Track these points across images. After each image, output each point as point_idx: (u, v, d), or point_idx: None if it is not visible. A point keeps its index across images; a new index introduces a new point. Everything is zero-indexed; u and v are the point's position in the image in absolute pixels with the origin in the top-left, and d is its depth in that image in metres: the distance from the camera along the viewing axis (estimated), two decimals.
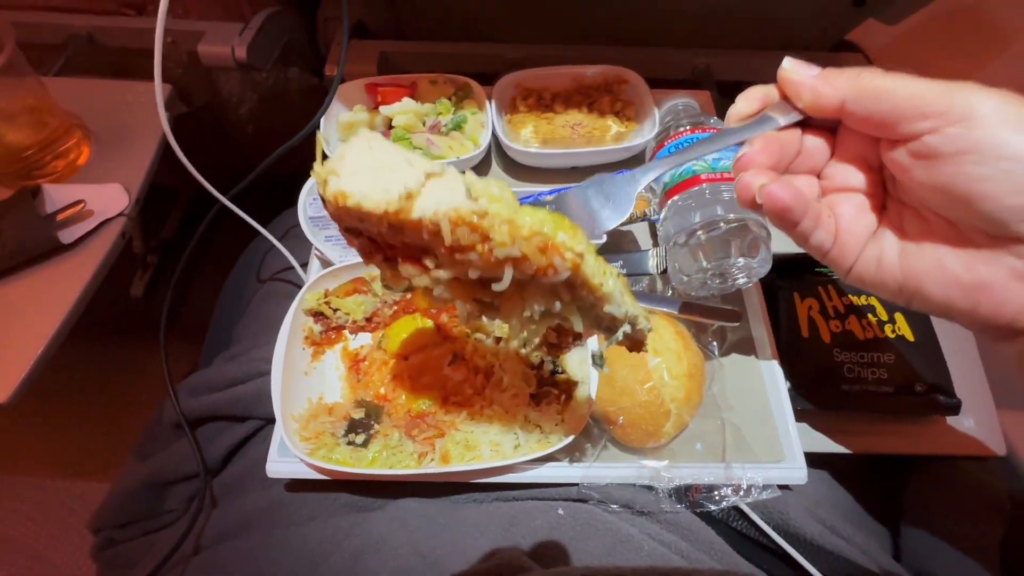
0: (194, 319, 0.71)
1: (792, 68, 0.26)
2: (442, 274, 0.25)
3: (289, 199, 0.49)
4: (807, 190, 0.28)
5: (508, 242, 0.22)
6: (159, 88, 0.38)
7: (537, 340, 0.27)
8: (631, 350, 0.29)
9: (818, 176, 0.29)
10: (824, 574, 0.37)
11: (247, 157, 0.49)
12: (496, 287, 0.23)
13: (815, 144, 0.28)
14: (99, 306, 0.50)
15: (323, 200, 0.24)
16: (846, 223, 0.28)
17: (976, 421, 0.43)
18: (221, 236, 0.66)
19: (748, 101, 0.28)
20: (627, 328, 0.26)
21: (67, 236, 0.48)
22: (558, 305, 0.25)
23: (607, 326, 0.27)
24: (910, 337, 0.44)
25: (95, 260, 0.48)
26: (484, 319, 0.28)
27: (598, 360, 0.32)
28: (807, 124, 0.28)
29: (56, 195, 0.49)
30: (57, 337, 0.45)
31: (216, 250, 0.75)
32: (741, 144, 0.28)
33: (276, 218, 0.61)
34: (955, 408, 0.42)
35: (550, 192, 0.51)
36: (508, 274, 0.23)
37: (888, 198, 0.28)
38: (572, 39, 0.66)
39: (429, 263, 0.25)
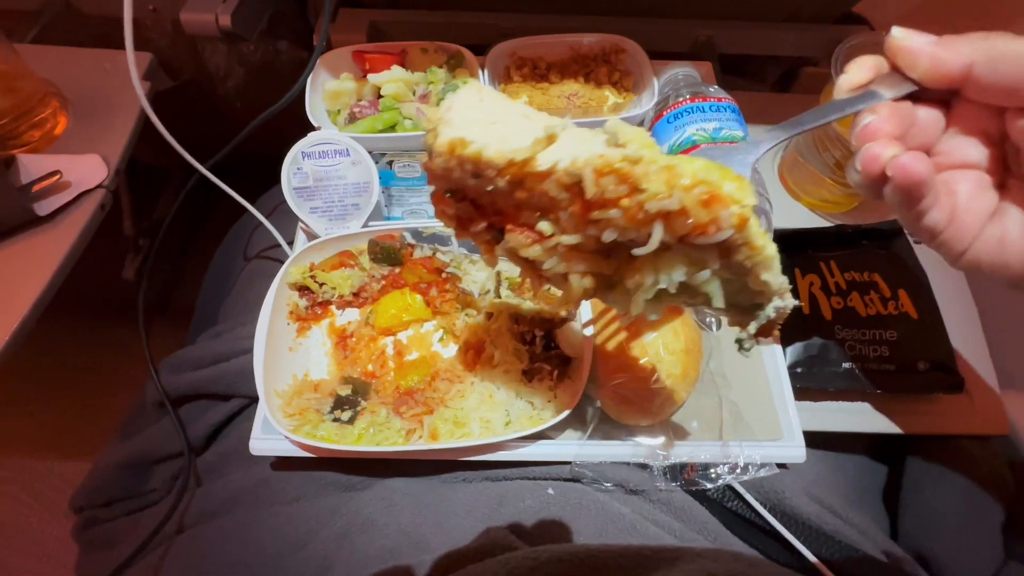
0: (187, 302, 0.70)
1: (905, 35, 0.24)
2: (566, 239, 0.22)
3: (278, 178, 0.47)
4: None
5: (665, 192, 0.19)
6: (131, 54, 0.37)
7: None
8: (759, 335, 0.24)
9: (928, 152, 0.27)
10: (820, 554, 0.36)
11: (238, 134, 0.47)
12: (637, 252, 0.20)
13: (929, 117, 0.26)
14: (91, 288, 0.49)
15: (429, 153, 0.22)
16: (964, 201, 0.25)
17: (979, 400, 0.42)
18: (215, 218, 0.65)
19: (860, 69, 0.26)
20: (778, 302, 0.22)
21: (43, 208, 0.46)
22: (704, 275, 0.21)
23: (747, 303, 0.23)
24: (913, 314, 0.43)
25: (73, 232, 0.46)
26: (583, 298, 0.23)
27: (746, 344, 0.26)
28: (917, 97, 0.26)
29: (32, 166, 0.47)
30: (34, 311, 0.43)
31: (208, 233, 0.74)
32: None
33: (263, 195, 0.60)
34: (958, 386, 0.41)
35: None
36: (658, 233, 0.20)
37: (1009, 175, 0.26)
38: (569, 10, 0.63)
39: (546, 228, 0.22)
